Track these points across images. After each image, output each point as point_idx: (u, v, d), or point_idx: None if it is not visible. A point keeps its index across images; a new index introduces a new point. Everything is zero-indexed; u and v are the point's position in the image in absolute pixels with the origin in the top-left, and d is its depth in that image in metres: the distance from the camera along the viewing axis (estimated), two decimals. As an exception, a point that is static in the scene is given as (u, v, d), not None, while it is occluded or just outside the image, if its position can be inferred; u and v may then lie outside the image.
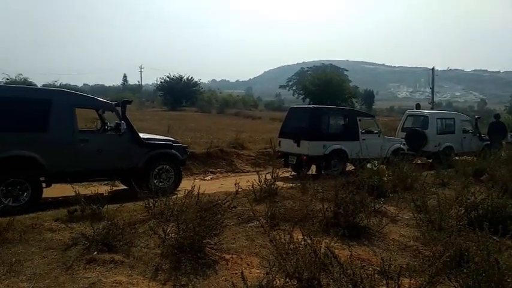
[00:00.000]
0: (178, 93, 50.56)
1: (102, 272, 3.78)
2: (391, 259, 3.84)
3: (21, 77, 49.42)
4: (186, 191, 5.46)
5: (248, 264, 4.15)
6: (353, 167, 9.65)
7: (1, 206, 5.10)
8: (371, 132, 11.59)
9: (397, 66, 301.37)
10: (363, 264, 4.06)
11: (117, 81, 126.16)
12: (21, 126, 6.45)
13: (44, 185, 6.70)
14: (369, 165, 7.80)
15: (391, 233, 5.29)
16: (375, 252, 4.58)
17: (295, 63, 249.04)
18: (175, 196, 6.28)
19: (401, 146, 11.77)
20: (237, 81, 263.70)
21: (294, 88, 62.41)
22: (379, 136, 11.47)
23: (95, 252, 4.15)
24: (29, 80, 49.69)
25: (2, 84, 24.52)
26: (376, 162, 7.83)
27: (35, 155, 6.47)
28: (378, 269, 3.74)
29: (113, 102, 7.91)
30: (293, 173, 10.81)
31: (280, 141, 11.07)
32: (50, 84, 52.95)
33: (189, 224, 4.25)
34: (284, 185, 7.29)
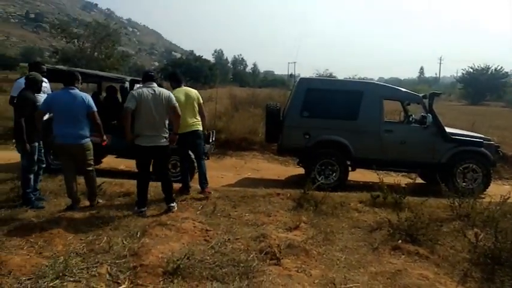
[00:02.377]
0: (482, 85, 44.78)
1: (407, 262, 3.81)
2: None
3: (328, 72, 55.99)
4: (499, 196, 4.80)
5: None
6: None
7: (317, 183, 5.94)
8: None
9: None
10: None
11: (413, 74, 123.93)
12: (337, 114, 7.30)
13: (349, 168, 7.36)
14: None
15: None
16: None
17: None
18: (482, 199, 5.63)
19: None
20: None
21: None
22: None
23: (399, 241, 4.22)
24: (334, 75, 55.66)
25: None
26: None
27: (345, 141, 7.20)
28: None
29: (420, 95, 7.77)
30: None
31: None
32: (350, 77, 57.63)
33: (510, 235, 3.69)
34: None
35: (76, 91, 4.77)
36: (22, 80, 5.21)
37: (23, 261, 3.38)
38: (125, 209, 4.94)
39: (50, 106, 4.72)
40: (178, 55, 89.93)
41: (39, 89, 5.02)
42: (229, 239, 4.20)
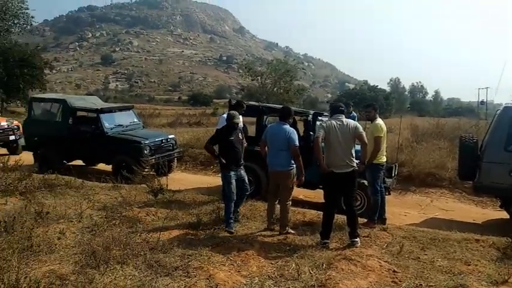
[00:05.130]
0: None
1: None
2: None
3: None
4: None
5: None
6: None
7: None
8: None
9: None
10: None
11: None
12: None
13: None
14: None
15: None
16: None
17: None
18: None
19: None
20: None
21: None
22: None
23: None
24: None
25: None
26: None
27: None
28: None
29: None
30: None
31: None
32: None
33: None
34: None
35: (285, 126, 5.28)
36: (225, 116, 6.02)
37: (226, 277, 3.78)
38: (308, 239, 5.07)
39: (266, 137, 5.41)
40: (352, 86, 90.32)
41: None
42: (420, 284, 3.86)
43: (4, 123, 11.56)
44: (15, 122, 12.02)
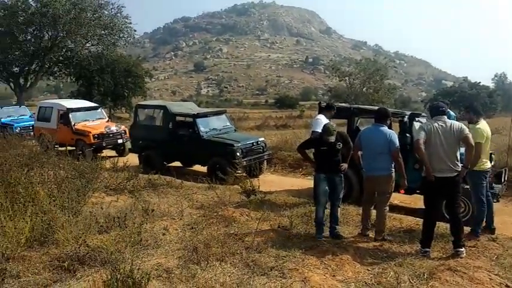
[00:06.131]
0: None
1: None
2: None
3: None
4: None
5: None
6: None
7: None
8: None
9: None
10: None
11: None
12: None
13: None
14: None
15: None
16: None
17: None
18: None
19: None
20: None
21: None
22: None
23: None
24: None
25: None
26: None
27: None
28: None
29: None
30: None
31: None
32: None
33: None
34: None
35: (383, 128, 5.09)
36: (320, 117, 6.02)
37: (321, 280, 3.76)
38: (407, 246, 4.82)
39: (360, 141, 5.20)
40: (450, 83, 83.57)
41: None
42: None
43: (113, 128, 12.84)
44: (123, 127, 13.29)
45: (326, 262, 4.27)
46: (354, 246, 4.82)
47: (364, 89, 39.36)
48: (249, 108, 54.26)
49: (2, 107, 16.05)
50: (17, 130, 14.09)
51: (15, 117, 15.55)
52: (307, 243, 4.87)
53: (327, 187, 5.18)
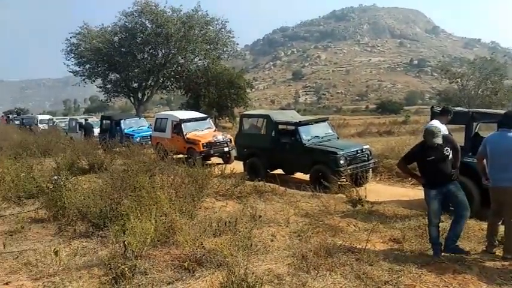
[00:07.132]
0: None
1: None
2: None
3: None
4: None
5: None
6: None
7: None
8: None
9: None
10: None
11: None
12: None
13: None
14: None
15: None
16: None
17: None
18: None
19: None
20: None
21: None
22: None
23: None
24: None
25: None
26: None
27: None
28: None
29: None
30: None
31: None
32: None
33: None
34: None
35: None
36: (435, 122, 5.61)
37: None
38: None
39: (485, 148, 4.70)
40: None
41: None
42: None
43: (220, 137, 13.56)
44: (228, 136, 13.97)
45: (447, 280, 3.93)
46: (479, 264, 4.36)
47: (479, 91, 35.72)
48: (348, 114, 52.91)
49: (125, 119, 17.94)
50: (137, 140, 15.66)
51: (136, 128, 17.32)
52: (423, 258, 4.54)
53: (439, 205, 4.67)
